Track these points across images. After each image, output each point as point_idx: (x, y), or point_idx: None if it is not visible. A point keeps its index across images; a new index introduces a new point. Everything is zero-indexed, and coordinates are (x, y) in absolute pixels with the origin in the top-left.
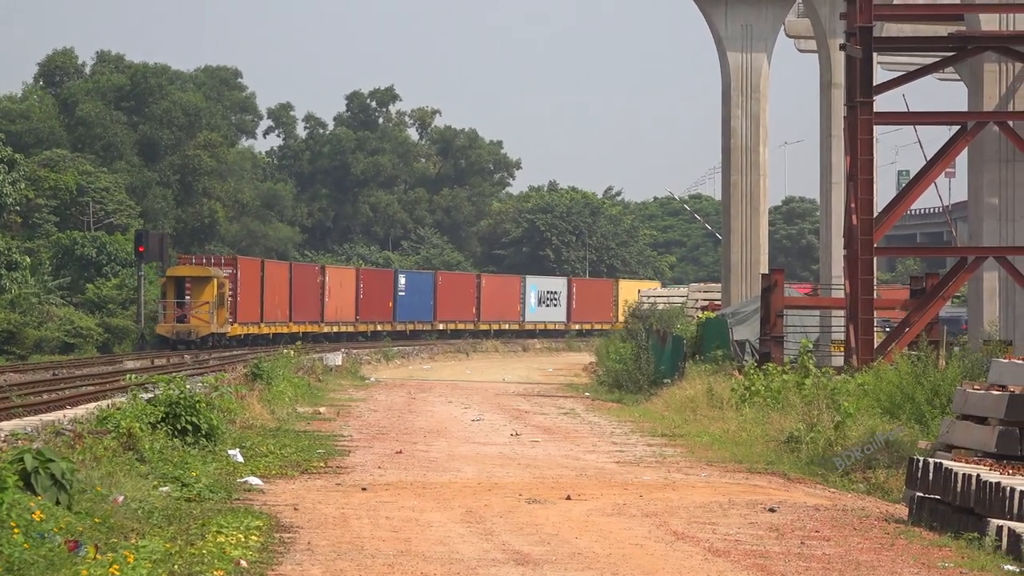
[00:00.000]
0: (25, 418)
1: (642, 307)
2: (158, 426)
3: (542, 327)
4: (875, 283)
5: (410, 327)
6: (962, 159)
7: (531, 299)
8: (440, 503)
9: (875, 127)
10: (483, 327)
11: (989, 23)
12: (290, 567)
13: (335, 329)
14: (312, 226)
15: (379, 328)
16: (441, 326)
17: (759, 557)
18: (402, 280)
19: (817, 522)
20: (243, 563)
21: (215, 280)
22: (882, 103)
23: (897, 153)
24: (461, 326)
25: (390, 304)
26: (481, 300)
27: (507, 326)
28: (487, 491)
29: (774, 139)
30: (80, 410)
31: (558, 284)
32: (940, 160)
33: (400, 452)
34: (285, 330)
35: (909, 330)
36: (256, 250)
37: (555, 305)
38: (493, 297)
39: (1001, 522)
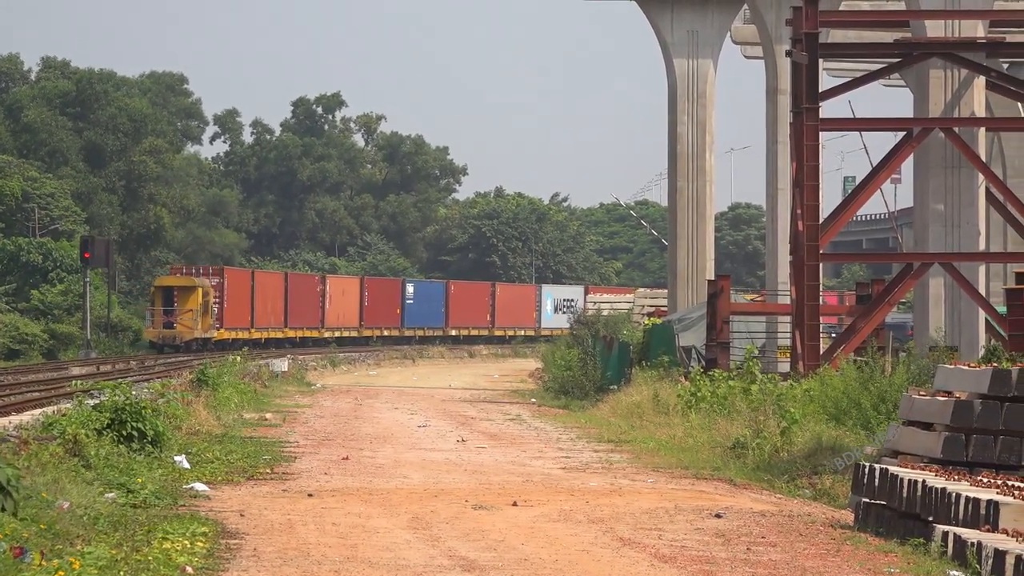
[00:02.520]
0: None
1: (588, 313)
2: (104, 432)
3: (559, 333)
4: (821, 289)
5: (419, 333)
6: (908, 165)
7: (547, 307)
8: (386, 509)
9: (821, 133)
10: (498, 333)
11: (935, 30)
12: (236, 573)
13: (337, 334)
14: (258, 232)
15: (385, 333)
16: (454, 332)
17: (705, 563)
18: (410, 289)
19: (763, 528)
20: (189, 569)
21: (200, 289)
22: (828, 109)
23: (843, 159)
24: (475, 332)
25: (398, 311)
26: (496, 308)
27: (523, 332)
28: (433, 497)
29: (720, 145)
30: (25, 416)
31: (575, 292)
32: (886, 166)
33: (346, 458)
34: (280, 335)
35: (855, 336)
36: (202, 256)
37: (572, 312)
38: (508, 305)
39: (947, 528)
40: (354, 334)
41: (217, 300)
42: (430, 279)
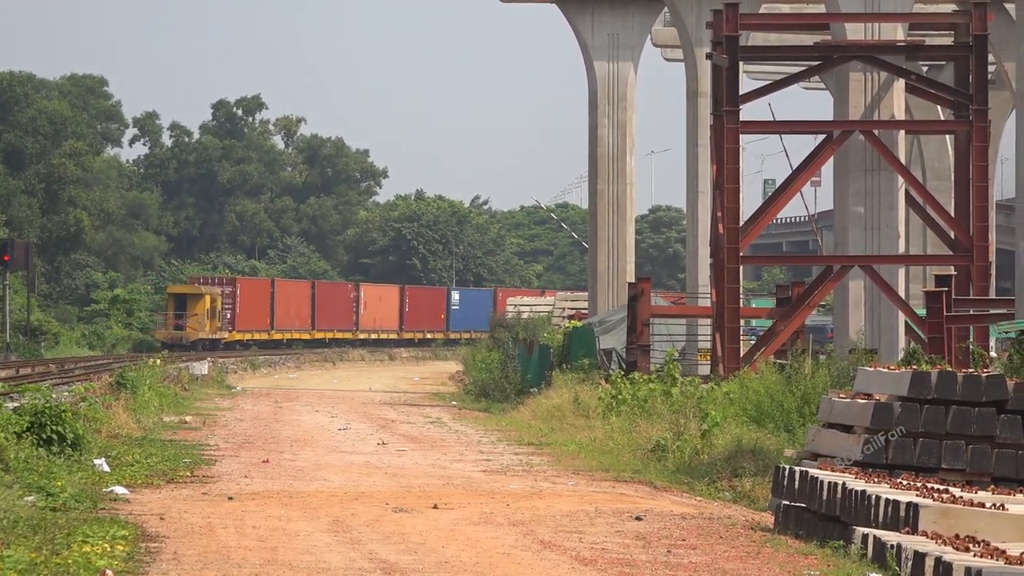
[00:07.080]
0: None
1: (507, 316)
2: (23, 436)
3: None
4: (741, 291)
5: (465, 335)
6: (828, 168)
7: None
8: (307, 512)
9: (741, 136)
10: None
11: (855, 32)
12: None
13: (373, 336)
14: (178, 235)
15: (429, 336)
16: None
17: (626, 566)
18: (455, 296)
19: (684, 530)
20: (109, 573)
21: (207, 296)
22: (748, 112)
23: (763, 162)
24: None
25: (442, 316)
26: None
27: None
28: (354, 500)
29: (641, 148)
30: None
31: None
32: (806, 169)
33: (267, 461)
34: (307, 336)
35: (775, 339)
36: (122, 259)
37: None
38: None
39: (866, 530)
40: (393, 336)
41: (229, 306)
42: (476, 288)
